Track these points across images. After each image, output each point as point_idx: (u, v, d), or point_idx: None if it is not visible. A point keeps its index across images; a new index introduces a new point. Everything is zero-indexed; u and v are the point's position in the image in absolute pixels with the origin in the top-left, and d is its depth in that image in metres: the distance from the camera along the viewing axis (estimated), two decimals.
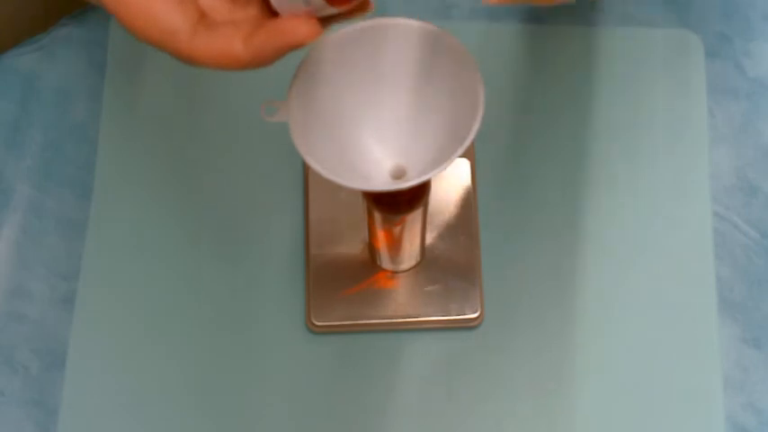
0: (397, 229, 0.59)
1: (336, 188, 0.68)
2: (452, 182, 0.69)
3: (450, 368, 0.67)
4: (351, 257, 0.68)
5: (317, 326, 0.66)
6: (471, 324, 0.67)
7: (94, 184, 0.70)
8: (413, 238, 0.62)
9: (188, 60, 0.45)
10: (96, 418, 0.65)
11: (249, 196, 0.70)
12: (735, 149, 0.72)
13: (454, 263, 0.68)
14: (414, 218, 0.56)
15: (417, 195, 0.54)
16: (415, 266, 0.68)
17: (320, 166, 0.47)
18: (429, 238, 0.67)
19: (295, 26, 0.43)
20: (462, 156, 0.55)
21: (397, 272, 0.67)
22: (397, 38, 0.50)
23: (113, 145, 0.71)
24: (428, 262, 0.68)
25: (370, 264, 0.68)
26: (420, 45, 0.50)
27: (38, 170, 0.70)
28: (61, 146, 0.71)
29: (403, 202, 0.54)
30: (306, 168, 0.69)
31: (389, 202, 0.54)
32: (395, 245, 0.62)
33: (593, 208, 0.70)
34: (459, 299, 0.67)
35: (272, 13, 0.46)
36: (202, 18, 0.45)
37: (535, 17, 0.74)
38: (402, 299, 0.67)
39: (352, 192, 0.68)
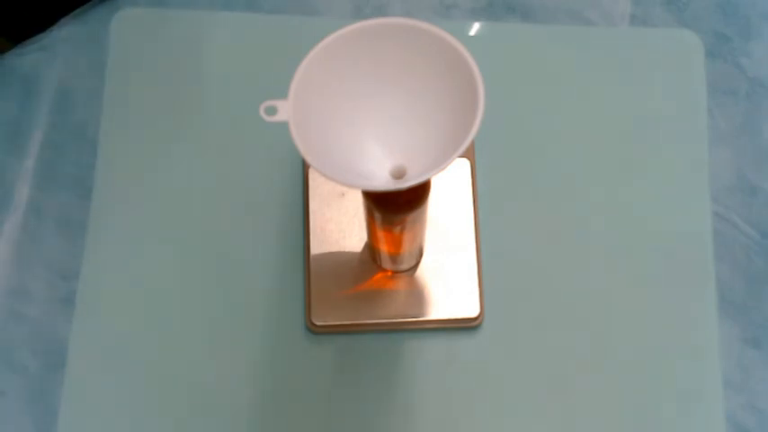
0: (397, 229, 0.59)
1: (336, 188, 0.68)
2: (452, 182, 0.69)
3: (450, 368, 0.67)
4: (351, 257, 0.68)
5: (317, 326, 0.66)
6: (471, 324, 0.67)
7: (94, 184, 0.70)
8: (413, 238, 0.62)
9: None
10: (96, 418, 0.65)
11: (249, 196, 0.70)
12: (735, 149, 0.72)
13: (454, 263, 0.68)
14: (414, 218, 0.56)
15: (418, 195, 0.54)
16: (414, 266, 0.68)
17: (320, 165, 0.47)
18: (429, 238, 0.67)
19: None
20: (462, 156, 0.55)
21: (397, 272, 0.67)
22: (397, 38, 0.50)
23: (113, 145, 0.71)
24: (428, 262, 0.68)
25: (370, 264, 0.67)
26: (420, 45, 0.50)
27: (38, 170, 0.70)
28: (61, 146, 0.71)
29: (403, 202, 0.54)
30: (306, 168, 0.69)
31: (390, 201, 0.54)
32: (395, 245, 0.62)
33: (592, 208, 0.70)
34: (459, 299, 0.67)
35: None
36: None
37: (535, 17, 0.74)
38: (402, 299, 0.67)
39: (352, 192, 0.68)
